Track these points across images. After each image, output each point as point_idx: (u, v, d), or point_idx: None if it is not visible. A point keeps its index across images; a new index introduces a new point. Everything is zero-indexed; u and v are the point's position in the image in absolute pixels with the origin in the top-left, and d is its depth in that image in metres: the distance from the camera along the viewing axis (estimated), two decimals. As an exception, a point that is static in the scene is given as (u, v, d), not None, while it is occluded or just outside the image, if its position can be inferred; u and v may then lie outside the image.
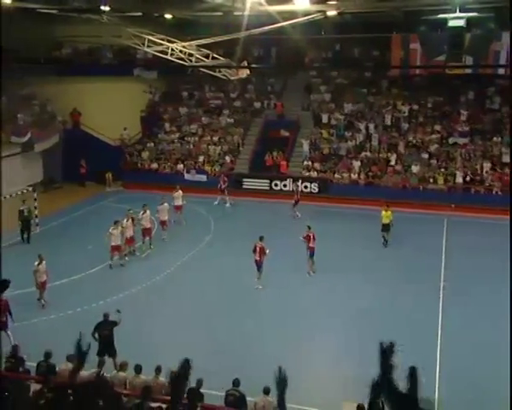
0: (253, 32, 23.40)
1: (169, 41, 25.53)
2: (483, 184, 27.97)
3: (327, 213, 27.13)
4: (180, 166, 31.99)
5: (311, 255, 19.49)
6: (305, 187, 29.73)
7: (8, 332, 14.10)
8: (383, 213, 22.17)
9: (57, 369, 10.44)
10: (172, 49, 25.28)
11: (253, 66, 33.05)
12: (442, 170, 29.02)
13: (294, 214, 26.30)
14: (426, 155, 30.01)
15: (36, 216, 24.10)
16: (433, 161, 29.69)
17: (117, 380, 9.87)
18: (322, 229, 22.68)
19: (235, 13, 23.29)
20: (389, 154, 30.55)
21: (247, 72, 29.22)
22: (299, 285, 18.67)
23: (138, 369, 10.27)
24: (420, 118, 32.26)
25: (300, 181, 29.49)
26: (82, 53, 34.07)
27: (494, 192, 27.40)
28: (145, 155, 33.23)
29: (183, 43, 25.22)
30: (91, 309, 16.49)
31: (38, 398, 8.51)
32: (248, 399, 10.08)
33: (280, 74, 36.46)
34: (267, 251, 18.06)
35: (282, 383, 4.76)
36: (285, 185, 29.86)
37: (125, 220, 20.76)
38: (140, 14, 26.22)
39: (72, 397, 4.89)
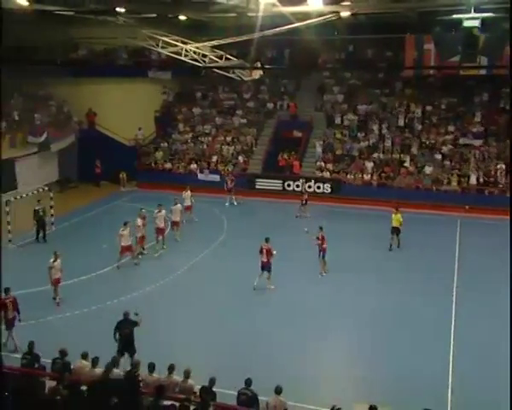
0: (267, 34, 23.41)
1: (183, 42, 25.62)
2: (497, 186, 27.70)
3: (339, 213, 27.08)
4: (193, 166, 32.10)
5: (324, 256, 19.46)
6: (318, 187, 29.73)
7: (13, 334, 14.12)
8: (393, 215, 21.98)
9: (72, 366, 10.55)
10: (186, 51, 25.38)
11: (267, 67, 33.02)
12: (456, 171, 28.80)
13: (302, 215, 26.29)
14: (439, 157, 29.80)
15: (51, 215, 24.32)
16: (447, 163, 29.46)
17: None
18: (335, 229, 22.67)
19: (249, 14, 23.31)
20: (402, 155, 30.38)
21: (261, 72, 29.21)
22: (311, 285, 18.65)
23: (151, 367, 10.31)
24: (433, 119, 32.01)
25: (313, 181, 29.62)
26: (98, 54, 34.31)
27: (508, 194, 27.08)
28: (159, 155, 33.39)
29: (197, 45, 25.31)
30: (106, 307, 16.67)
31: (54, 394, 8.63)
32: (260, 398, 10.08)
33: (293, 75, 36.39)
34: (274, 252, 17.97)
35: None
36: (298, 186, 29.82)
37: (138, 220, 20.90)
38: (155, 15, 26.37)
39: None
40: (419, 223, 24.41)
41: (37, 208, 22.85)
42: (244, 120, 34.81)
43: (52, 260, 17.00)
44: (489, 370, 13.32)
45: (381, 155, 30.73)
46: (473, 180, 28.14)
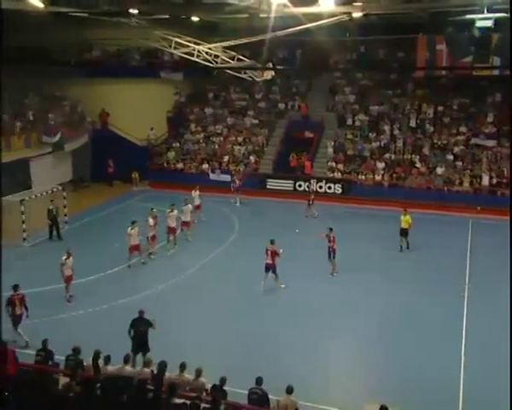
0: (279, 34, 23.43)
1: (195, 43, 25.71)
2: (509, 187, 27.43)
3: (350, 213, 27.02)
4: (205, 166, 32.20)
5: (334, 257, 19.41)
6: (329, 188, 29.71)
7: (19, 330, 14.22)
8: (402, 217, 21.84)
9: (85, 364, 10.63)
10: (199, 51, 25.46)
11: (278, 67, 33.01)
12: (467, 172, 28.59)
13: (310, 214, 26.29)
14: (451, 157, 29.60)
15: (65, 215, 24.52)
16: (459, 163, 29.26)
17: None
18: (346, 230, 22.63)
19: (261, 15, 23.34)
20: (413, 155, 30.23)
21: (272, 73, 29.21)
22: (320, 285, 18.59)
23: (163, 366, 10.35)
24: (445, 119, 31.80)
25: (324, 182, 29.60)
26: (111, 55, 34.52)
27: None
28: (171, 155, 33.52)
29: (210, 46, 25.38)
30: (118, 306, 16.77)
31: (67, 390, 8.71)
32: (270, 397, 10.09)
33: (305, 76, 36.35)
34: (280, 251, 17.87)
35: None
36: (309, 186, 29.79)
37: (150, 219, 21.00)
38: (167, 16, 26.48)
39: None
40: (430, 223, 24.27)
41: (50, 208, 23.06)
42: (256, 121, 34.83)
43: (64, 257, 17.18)
44: (500, 370, 13.18)
45: (393, 156, 30.59)
46: (485, 181, 27.91)
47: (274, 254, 17.80)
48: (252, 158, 32.26)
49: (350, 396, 12.28)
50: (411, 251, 21.72)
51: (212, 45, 25.38)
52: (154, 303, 16.12)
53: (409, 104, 32.85)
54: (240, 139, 33.90)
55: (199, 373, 10.15)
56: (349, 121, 33.07)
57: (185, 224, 23.03)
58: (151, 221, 20.99)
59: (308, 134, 33.16)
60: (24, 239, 22.11)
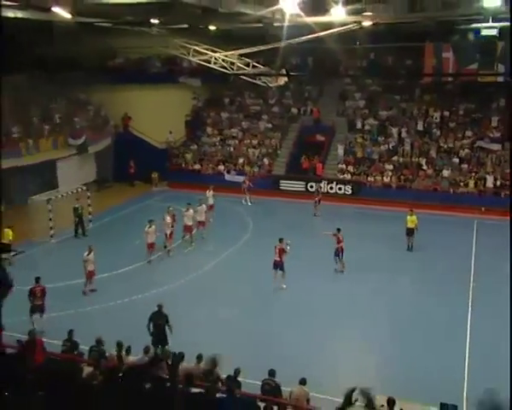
0: (292, 42, 23.44)
1: (213, 51, 25.84)
2: (513, 188, 27.17)
3: (359, 214, 26.92)
4: (221, 167, 32.30)
5: (342, 256, 19.30)
6: (340, 189, 29.64)
7: (33, 319, 14.47)
8: (408, 217, 21.70)
9: (107, 354, 10.77)
10: (216, 59, 25.59)
11: (291, 74, 33.00)
12: (472, 174, 28.34)
13: (317, 213, 26.38)
14: (456, 160, 29.36)
15: (89, 213, 24.78)
16: (464, 166, 29.02)
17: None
18: (355, 229, 22.55)
19: (275, 24, 23.37)
20: (421, 158, 30.02)
21: (285, 79, 29.24)
22: (328, 283, 18.53)
23: (180, 357, 10.45)
24: (451, 124, 31.56)
25: (335, 183, 29.59)
26: (133, 62, 34.77)
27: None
28: (189, 156, 33.66)
29: (226, 53, 25.48)
30: (138, 300, 16.97)
31: (91, 379, 8.81)
32: (283, 388, 10.12)
33: (316, 82, 36.28)
34: (288, 248, 17.79)
35: None
36: (320, 187, 29.70)
37: (167, 217, 21.13)
38: (186, 26, 26.62)
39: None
40: (436, 224, 24.07)
41: (76, 206, 23.33)
42: (269, 125, 34.84)
43: (86, 253, 17.43)
44: (504, 370, 13.04)
45: (401, 159, 30.42)
46: (489, 183, 27.66)
47: (281, 251, 17.82)
48: (265, 160, 32.28)
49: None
50: (417, 251, 21.55)
51: (228, 53, 25.50)
52: (171, 299, 16.14)
53: (416, 109, 32.64)
54: (254, 142, 33.93)
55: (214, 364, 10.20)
56: (359, 125, 32.92)
57: (201, 223, 23.08)
58: (168, 219, 21.14)
59: (319, 137, 33.08)
60: (51, 236, 22.39)
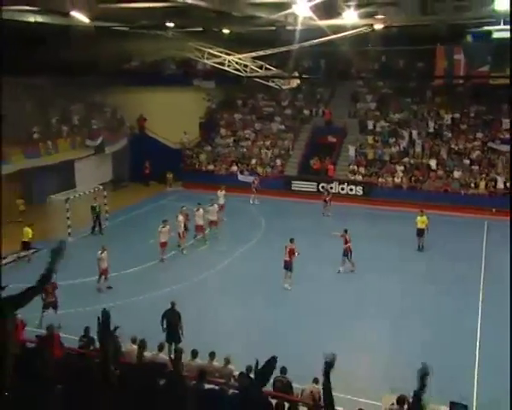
0: (304, 45, 23.41)
1: (226, 53, 25.91)
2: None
3: (370, 214, 26.79)
4: (234, 167, 32.36)
5: (350, 256, 19.21)
6: (351, 190, 29.56)
7: (42, 315, 14.59)
8: (418, 218, 21.56)
9: (123, 349, 10.83)
10: (229, 61, 25.66)
11: (303, 76, 32.96)
12: (483, 176, 28.06)
13: (326, 213, 26.40)
14: (467, 161, 29.09)
15: (106, 212, 24.98)
16: (475, 167, 28.74)
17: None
18: (366, 230, 22.48)
19: (288, 27, 23.36)
20: (431, 159, 29.79)
21: (298, 81, 29.23)
22: (338, 283, 18.49)
23: (194, 354, 10.51)
24: (462, 126, 31.27)
25: (346, 184, 29.49)
26: (148, 65, 34.96)
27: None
28: (203, 157, 33.77)
29: (239, 56, 25.53)
30: (152, 297, 17.03)
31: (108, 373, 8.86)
32: (295, 386, 10.12)
33: (328, 84, 36.19)
34: (297, 254, 17.75)
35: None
36: (331, 188, 29.65)
37: (180, 216, 21.21)
38: (201, 29, 26.73)
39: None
40: (447, 225, 23.89)
41: (94, 205, 23.56)
42: (282, 126, 34.84)
43: (100, 252, 17.57)
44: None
45: (412, 160, 30.23)
46: (500, 184, 27.39)
47: (292, 251, 17.78)
48: (278, 161, 32.28)
49: (368, 388, 12.21)
50: (428, 251, 21.42)
51: (241, 55, 25.56)
52: (184, 297, 16.25)
53: (427, 111, 32.41)
54: (267, 143, 33.93)
55: (227, 361, 10.27)
56: (370, 127, 32.79)
57: (213, 223, 23.10)
58: (181, 218, 21.25)
59: (331, 139, 32.99)
60: (69, 234, 22.60)
